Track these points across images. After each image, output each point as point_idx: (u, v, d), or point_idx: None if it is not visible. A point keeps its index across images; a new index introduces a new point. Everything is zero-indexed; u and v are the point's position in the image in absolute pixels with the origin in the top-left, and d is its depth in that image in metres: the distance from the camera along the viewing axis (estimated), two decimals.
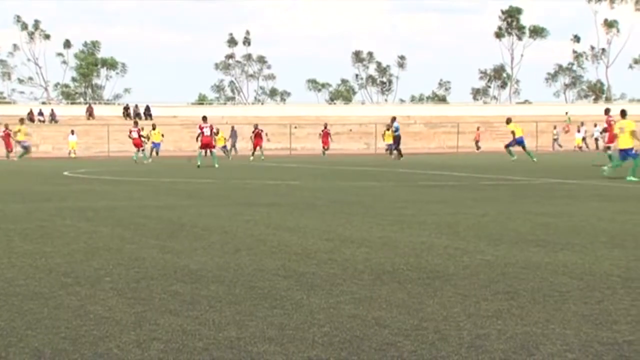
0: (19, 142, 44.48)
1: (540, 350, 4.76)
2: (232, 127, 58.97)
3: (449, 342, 4.95)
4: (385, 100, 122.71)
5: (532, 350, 4.77)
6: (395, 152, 44.86)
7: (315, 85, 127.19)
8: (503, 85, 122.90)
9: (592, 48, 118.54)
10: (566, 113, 73.94)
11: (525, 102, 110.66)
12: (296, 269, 7.59)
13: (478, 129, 68.11)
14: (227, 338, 5.07)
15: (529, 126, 68.28)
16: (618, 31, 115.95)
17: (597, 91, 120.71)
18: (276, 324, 5.43)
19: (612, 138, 26.95)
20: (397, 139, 45.40)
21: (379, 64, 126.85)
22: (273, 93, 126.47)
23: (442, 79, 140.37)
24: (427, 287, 6.69)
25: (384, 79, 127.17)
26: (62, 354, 4.77)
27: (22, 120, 47.21)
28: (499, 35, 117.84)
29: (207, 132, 34.91)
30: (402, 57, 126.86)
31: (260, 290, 6.57)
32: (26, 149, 44.11)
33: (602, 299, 6.19)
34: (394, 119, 47.54)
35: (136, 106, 76.93)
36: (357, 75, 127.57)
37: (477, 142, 66.79)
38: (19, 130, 44.71)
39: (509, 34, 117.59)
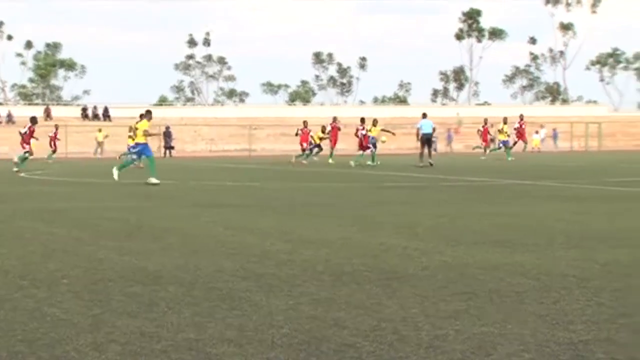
0: (139, 140, 23.74)
1: (498, 350, 4.79)
2: (167, 127, 59.26)
3: (408, 342, 4.97)
4: (345, 101, 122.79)
5: (490, 350, 4.80)
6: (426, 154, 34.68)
7: (271, 87, 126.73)
8: (460, 87, 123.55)
9: (551, 50, 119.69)
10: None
11: (485, 103, 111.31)
12: (255, 270, 7.58)
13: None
14: (186, 340, 5.05)
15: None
16: (575, 33, 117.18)
17: (554, 93, 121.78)
18: (235, 325, 5.42)
19: None
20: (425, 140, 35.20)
21: (339, 65, 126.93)
22: (231, 94, 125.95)
23: (403, 80, 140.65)
24: (385, 288, 6.71)
25: (344, 80, 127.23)
26: (18, 356, 4.73)
27: (147, 114, 24.20)
28: (459, 37, 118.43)
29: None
30: (363, 59, 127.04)
31: (219, 292, 6.55)
32: (139, 156, 24.15)
33: (559, 299, 6.25)
34: (424, 115, 36.56)
35: (95, 107, 76.31)
36: (317, 77, 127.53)
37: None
38: (137, 128, 24.38)
39: (469, 35, 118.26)
